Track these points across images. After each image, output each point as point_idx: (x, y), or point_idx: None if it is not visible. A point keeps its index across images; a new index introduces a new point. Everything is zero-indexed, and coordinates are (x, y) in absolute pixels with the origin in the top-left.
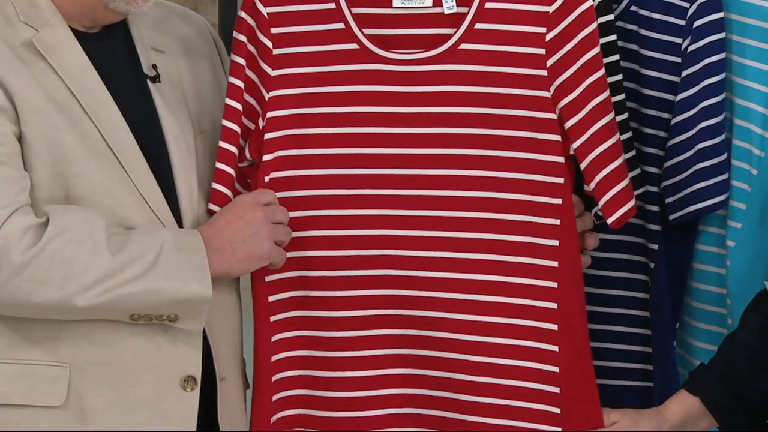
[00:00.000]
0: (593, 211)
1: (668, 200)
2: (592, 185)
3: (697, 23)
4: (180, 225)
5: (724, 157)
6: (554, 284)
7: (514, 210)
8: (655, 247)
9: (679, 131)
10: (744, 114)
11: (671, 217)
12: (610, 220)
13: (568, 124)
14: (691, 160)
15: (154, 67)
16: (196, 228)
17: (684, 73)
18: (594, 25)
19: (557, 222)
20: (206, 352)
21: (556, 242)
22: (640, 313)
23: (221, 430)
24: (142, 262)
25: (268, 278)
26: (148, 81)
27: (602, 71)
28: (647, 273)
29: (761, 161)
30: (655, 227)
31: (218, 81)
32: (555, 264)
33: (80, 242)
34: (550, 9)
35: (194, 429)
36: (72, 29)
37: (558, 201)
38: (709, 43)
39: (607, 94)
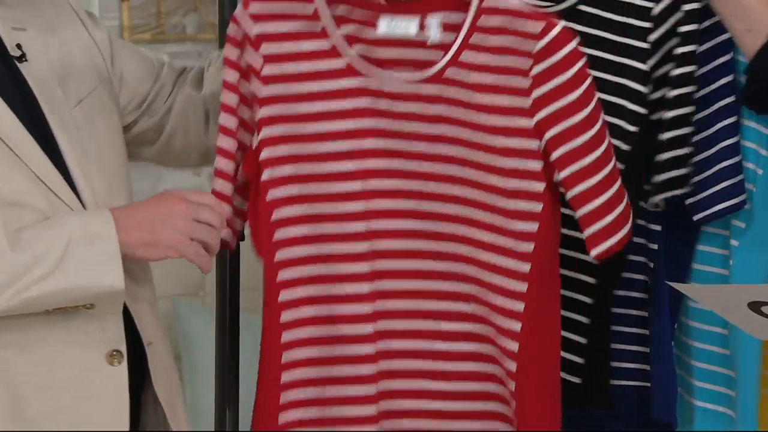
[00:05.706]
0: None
1: (689, 201)
2: (578, 215)
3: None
4: (79, 199)
5: (740, 157)
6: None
7: (488, 231)
8: (655, 246)
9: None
10: (751, 113)
11: (695, 217)
12: (592, 254)
13: (553, 156)
14: (712, 158)
15: (19, 46)
16: (99, 204)
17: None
18: (579, 65)
19: (530, 247)
20: (129, 323)
21: (527, 266)
22: (639, 312)
23: (157, 394)
24: (49, 260)
25: (279, 278)
26: (15, 62)
27: (590, 108)
28: (646, 273)
29: (767, 161)
30: (655, 227)
31: (85, 43)
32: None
33: None
34: (535, 48)
35: (127, 403)
36: None
37: (534, 227)
38: (719, 43)
39: (595, 129)
